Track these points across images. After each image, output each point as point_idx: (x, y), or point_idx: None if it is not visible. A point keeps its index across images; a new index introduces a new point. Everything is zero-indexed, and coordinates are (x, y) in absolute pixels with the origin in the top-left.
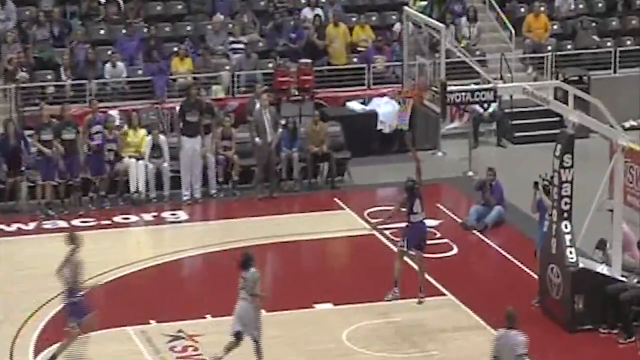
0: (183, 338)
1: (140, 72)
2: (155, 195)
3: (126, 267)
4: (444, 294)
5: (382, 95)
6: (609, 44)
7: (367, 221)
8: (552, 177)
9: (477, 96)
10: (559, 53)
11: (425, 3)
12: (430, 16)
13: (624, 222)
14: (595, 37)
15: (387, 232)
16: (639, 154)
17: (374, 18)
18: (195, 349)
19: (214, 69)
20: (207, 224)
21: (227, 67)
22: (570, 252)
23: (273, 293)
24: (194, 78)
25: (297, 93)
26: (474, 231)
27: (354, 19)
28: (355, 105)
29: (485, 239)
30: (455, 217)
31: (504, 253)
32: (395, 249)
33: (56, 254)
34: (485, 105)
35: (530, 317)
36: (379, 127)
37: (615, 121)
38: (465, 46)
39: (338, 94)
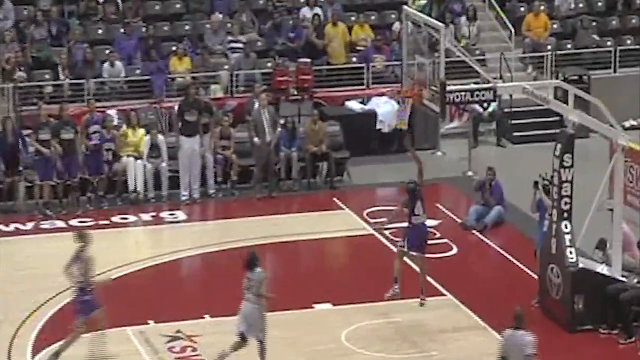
0: (181, 338)
1: (138, 71)
2: (154, 195)
3: (124, 267)
4: (443, 294)
5: (381, 94)
6: (609, 43)
7: (371, 223)
8: (552, 177)
9: (477, 96)
10: (558, 52)
11: (424, 2)
12: (429, 15)
13: (624, 222)
14: (595, 37)
15: (386, 232)
16: (639, 153)
17: (373, 17)
18: (194, 350)
19: (212, 68)
20: (205, 224)
21: (226, 67)
22: (570, 252)
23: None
24: (193, 77)
25: (296, 92)
26: (474, 231)
27: (353, 18)
28: (354, 105)
29: (485, 239)
30: (454, 217)
31: (504, 253)
32: (394, 249)
33: (54, 254)
34: (485, 104)
35: (530, 318)
36: (378, 127)
37: (615, 121)
38: (464, 45)
39: (337, 93)
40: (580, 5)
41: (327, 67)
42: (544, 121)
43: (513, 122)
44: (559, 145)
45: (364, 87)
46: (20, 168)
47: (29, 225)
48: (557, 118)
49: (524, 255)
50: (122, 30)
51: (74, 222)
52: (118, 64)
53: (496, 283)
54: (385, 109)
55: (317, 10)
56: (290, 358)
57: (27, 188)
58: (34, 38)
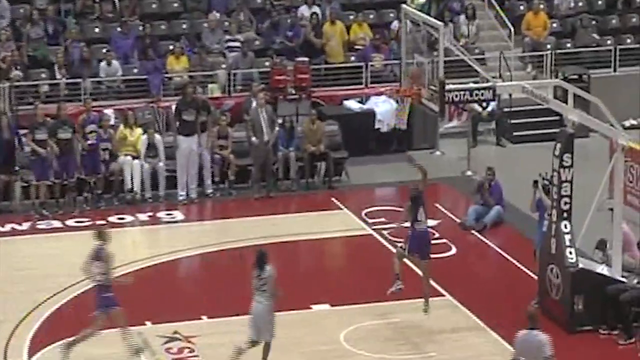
0: (179, 339)
1: (135, 70)
2: (151, 195)
3: (121, 267)
4: (442, 295)
5: (380, 94)
6: (608, 42)
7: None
8: (551, 177)
9: (476, 95)
10: (558, 51)
11: (423, 1)
12: (428, 14)
13: (624, 222)
14: (595, 35)
15: (385, 233)
16: (639, 153)
17: (371, 16)
18: (191, 351)
19: (210, 67)
20: (203, 224)
21: (223, 66)
22: (570, 253)
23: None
24: (190, 77)
25: (294, 92)
26: (473, 231)
27: (351, 17)
28: (352, 104)
29: (484, 239)
30: (454, 217)
31: (503, 253)
32: (394, 250)
33: (51, 254)
34: (484, 104)
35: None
36: (376, 126)
37: (615, 120)
38: (464, 44)
39: (335, 92)
40: (580, 4)
41: (326, 66)
42: (544, 121)
43: (512, 121)
44: (558, 145)
45: (362, 86)
46: (17, 168)
47: (25, 226)
48: (556, 117)
49: (523, 256)
50: (119, 29)
51: (70, 222)
52: (115, 63)
53: (495, 283)
54: (384, 108)
55: (315, 9)
56: (289, 359)
57: (23, 188)
58: (30, 37)
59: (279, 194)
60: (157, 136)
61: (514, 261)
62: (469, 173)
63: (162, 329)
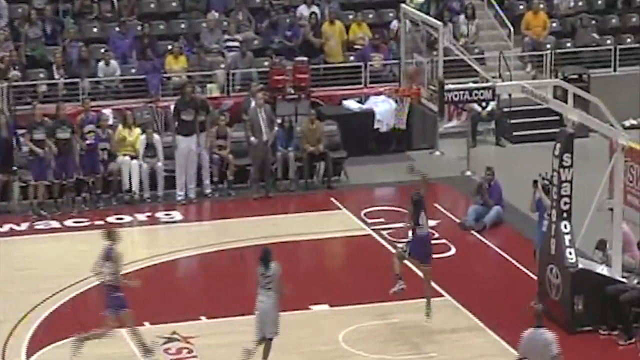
0: (177, 340)
1: (134, 70)
2: (149, 195)
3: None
4: (442, 295)
5: (379, 93)
6: (608, 41)
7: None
8: (551, 177)
9: (476, 95)
10: (558, 51)
11: (422, 0)
12: (427, 14)
13: (624, 222)
14: (595, 35)
15: (384, 233)
16: (639, 153)
17: (370, 15)
18: (190, 351)
19: (208, 67)
20: (201, 225)
21: (222, 66)
22: (570, 253)
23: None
24: (189, 76)
25: (293, 91)
26: (473, 231)
27: (350, 16)
28: (351, 104)
29: (484, 240)
30: (453, 217)
31: (503, 253)
32: (393, 250)
33: (49, 255)
34: (484, 103)
35: (528, 319)
36: (375, 126)
37: (615, 120)
38: (463, 44)
39: (334, 92)
40: (580, 3)
41: (325, 66)
42: (543, 120)
43: (512, 121)
44: (558, 145)
45: (361, 86)
46: (15, 168)
47: (24, 226)
48: (556, 117)
49: (523, 256)
50: (117, 28)
51: (69, 222)
52: (113, 62)
53: (495, 284)
54: (383, 108)
55: (314, 8)
56: None
57: (22, 188)
58: (28, 37)
59: (277, 194)
60: (156, 136)
61: (514, 261)
62: (468, 173)
63: (160, 329)
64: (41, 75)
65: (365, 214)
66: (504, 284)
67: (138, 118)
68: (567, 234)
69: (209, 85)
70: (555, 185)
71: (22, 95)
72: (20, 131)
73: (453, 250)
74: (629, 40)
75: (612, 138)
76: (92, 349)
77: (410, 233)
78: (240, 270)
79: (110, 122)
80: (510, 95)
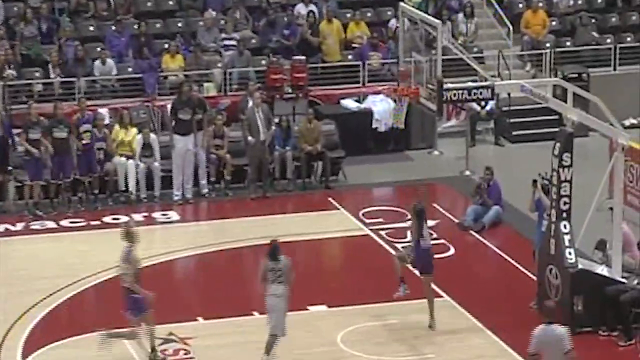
0: (174, 341)
1: (130, 69)
2: (146, 195)
3: (116, 268)
4: (440, 296)
5: (377, 93)
6: (608, 40)
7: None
8: (551, 176)
9: (475, 94)
10: (557, 50)
11: None
12: (426, 12)
13: (624, 222)
14: (595, 34)
15: (382, 233)
16: (639, 152)
17: (369, 14)
18: (187, 352)
19: (205, 66)
20: (198, 225)
21: (219, 65)
22: (570, 253)
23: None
24: (185, 75)
25: (290, 91)
26: (472, 231)
27: (348, 15)
28: (349, 103)
29: (483, 240)
30: (452, 217)
31: (502, 254)
32: (392, 251)
33: (45, 255)
34: (483, 103)
35: (528, 319)
36: (374, 126)
37: (615, 119)
38: (462, 43)
39: (332, 91)
40: (580, 2)
41: (322, 65)
42: (543, 120)
43: (511, 120)
44: (558, 144)
45: (359, 85)
46: (10, 167)
47: (19, 226)
48: (556, 117)
49: (522, 256)
50: (113, 27)
51: (65, 222)
52: (109, 61)
53: (494, 284)
54: (382, 107)
55: (312, 7)
56: None
57: (17, 188)
58: (23, 35)
59: (275, 194)
60: (153, 135)
61: (513, 262)
62: (467, 173)
63: (157, 330)
64: (37, 74)
65: (363, 214)
66: (503, 285)
67: (135, 117)
68: (566, 234)
69: (206, 85)
70: (554, 185)
71: (18, 94)
72: (15, 131)
73: (452, 251)
74: (628, 39)
75: (612, 137)
76: (88, 351)
77: (413, 244)
78: (238, 271)
79: (107, 121)
80: (509, 94)
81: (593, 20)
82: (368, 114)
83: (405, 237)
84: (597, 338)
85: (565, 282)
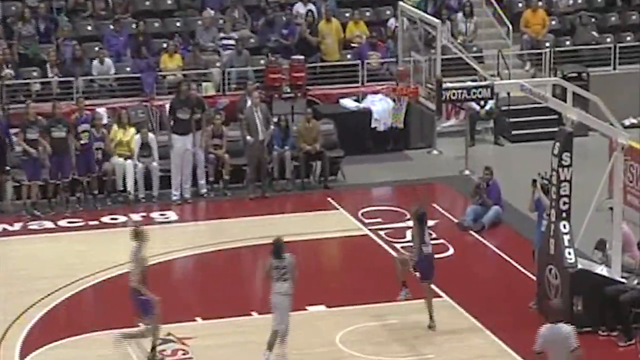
0: (173, 341)
1: (128, 69)
2: (144, 195)
3: (114, 268)
4: (439, 296)
5: (376, 92)
6: (608, 39)
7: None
8: (550, 176)
9: (474, 93)
10: (557, 49)
11: None
12: (425, 11)
13: (623, 222)
14: (595, 33)
15: (381, 233)
16: (639, 152)
17: (368, 14)
18: (185, 353)
19: (204, 65)
20: (197, 225)
21: (218, 64)
22: (569, 253)
23: (265, 295)
24: (184, 75)
25: (289, 90)
26: (471, 231)
27: (347, 14)
28: (348, 103)
29: (483, 240)
30: (451, 217)
31: (502, 254)
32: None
33: (42, 255)
34: (482, 102)
35: (527, 320)
36: (373, 125)
37: (614, 119)
38: (461, 42)
39: (331, 91)
40: (579, 1)
41: (321, 65)
42: (543, 119)
43: (511, 120)
44: (557, 144)
45: (358, 84)
46: (8, 167)
47: (17, 226)
48: (555, 116)
49: (522, 256)
50: (111, 26)
51: (62, 222)
52: (108, 61)
53: (494, 284)
54: (381, 107)
55: (311, 6)
56: None
57: (15, 188)
58: (21, 35)
59: (274, 194)
60: (151, 135)
61: (513, 262)
62: (466, 172)
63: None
64: (34, 74)
65: (362, 214)
66: (502, 285)
67: (133, 117)
68: (566, 234)
69: (204, 84)
70: (554, 184)
71: (16, 94)
72: (13, 130)
73: (451, 251)
74: (628, 38)
75: (612, 137)
76: (87, 351)
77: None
78: (237, 271)
79: (105, 121)
80: (509, 93)
81: (593, 20)
82: (367, 113)
83: (404, 237)
84: (596, 338)
85: (565, 282)
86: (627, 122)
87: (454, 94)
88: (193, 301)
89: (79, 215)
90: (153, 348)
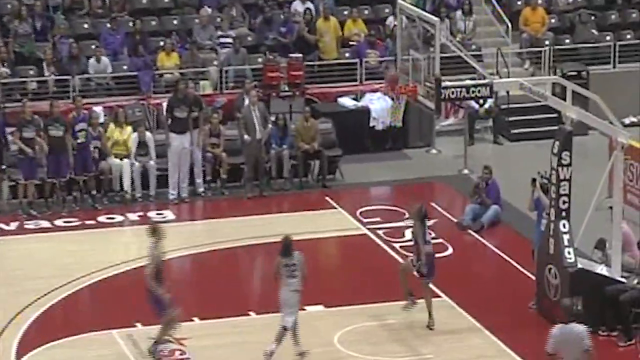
0: (170, 341)
1: (125, 67)
2: (141, 194)
3: (111, 268)
4: (438, 296)
5: (375, 91)
6: (608, 38)
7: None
8: (550, 175)
9: (473, 92)
10: (556, 47)
11: None
12: (424, 9)
13: (623, 222)
14: (594, 31)
15: (380, 232)
16: (639, 151)
17: (366, 12)
18: (182, 353)
19: (201, 64)
20: (194, 224)
21: (215, 62)
22: (569, 252)
23: (263, 295)
24: (181, 74)
25: (287, 89)
26: (470, 231)
27: (345, 12)
28: (347, 102)
29: (482, 239)
30: (450, 217)
31: (501, 253)
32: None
33: (39, 255)
34: (481, 101)
35: (527, 319)
36: (371, 124)
37: (614, 117)
38: (460, 40)
39: (329, 89)
40: None
41: (319, 63)
42: (542, 118)
43: (510, 119)
44: (557, 143)
45: (357, 83)
46: (4, 166)
47: (13, 226)
48: (555, 115)
49: (521, 256)
50: (108, 25)
51: (59, 222)
52: (104, 59)
53: (493, 284)
54: (379, 105)
55: (309, 4)
56: None
57: (11, 187)
58: (17, 33)
59: (272, 193)
60: (148, 134)
61: (512, 261)
62: (465, 171)
63: (152, 330)
64: (31, 72)
65: (360, 213)
66: (502, 284)
67: (130, 116)
68: (565, 233)
69: (201, 82)
70: (553, 183)
71: (12, 92)
72: (9, 129)
73: (450, 250)
74: (628, 36)
75: (612, 136)
76: (83, 351)
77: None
78: (234, 271)
79: (101, 120)
80: (508, 92)
81: (592, 18)
82: (365, 112)
83: (403, 237)
84: (596, 338)
85: (565, 281)
86: (627, 121)
87: (453, 93)
88: (190, 301)
89: (75, 214)
90: (156, 342)
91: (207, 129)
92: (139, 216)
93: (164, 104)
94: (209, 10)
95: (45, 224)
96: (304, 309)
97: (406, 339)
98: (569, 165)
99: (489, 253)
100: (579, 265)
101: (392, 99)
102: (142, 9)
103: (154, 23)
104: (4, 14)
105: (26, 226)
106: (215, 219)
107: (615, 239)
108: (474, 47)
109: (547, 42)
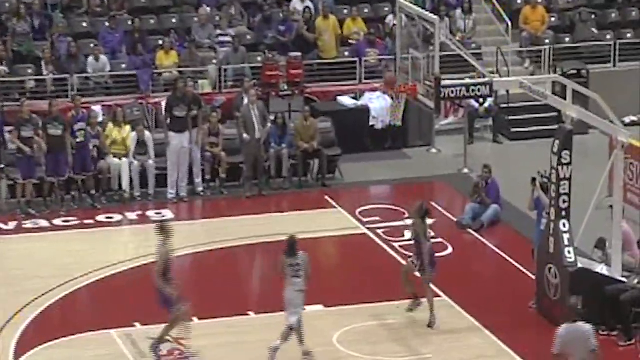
0: (169, 341)
1: (124, 66)
2: (140, 193)
3: (110, 268)
4: (438, 296)
5: (375, 90)
6: (608, 36)
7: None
8: (550, 174)
9: (473, 91)
10: (557, 46)
11: None
12: (424, 8)
13: (623, 221)
14: (594, 30)
15: (379, 231)
16: (639, 150)
17: (366, 10)
18: (181, 353)
19: (200, 62)
20: (193, 223)
21: (214, 61)
22: (569, 252)
23: (262, 294)
24: (180, 72)
25: (286, 88)
26: (470, 230)
27: (345, 11)
28: (346, 100)
29: (481, 239)
30: (450, 216)
31: (501, 253)
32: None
33: (37, 255)
34: (481, 100)
35: (526, 319)
36: (371, 123)
37: (615, 116)
38: (460, 39)
39: (329, 88)
40: None
41: (319, 62)
42: (542, 117)
43: (510, 118)
44: (557, 142)
45: (356, 82)
46: (2, 166)
47: (12, 225)
48: (555, 114)
49: (521, 255)
50: (107, 23)
51: (58, 221)
52: (103, 58)
53: (493, 283)
54: (379, 104)
55: (308, 3)
56: None
57: (10, 186)
58: (16, 31)
59: (271, 193)
60: (147, 133)
61: (512, 261)
62: (465, 171)
63: (151, 330)
64: (29, 71)
65: (360, 213)
66: (501, 284)
67: (128, 115)
68: (565, 232)
69: (200, 81)
70: (553, 183)
71: (10, 91)
72: (7, 128)
73: (450, 250)
74: (629, 35)
75: (612, 135)
76: (81, 351)
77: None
78: (233, 270)
79: (100, 119)
80: (508, 91)
81: (593, 16)
82: (365, 111)
83: (403, 236)
84: (597, 338)
85: (565, 281)
86: (627, 120)
87: (452, 92)
88: (190, 301)
89: (74, 214)
90: (160, 340)
91: (206, 128)
92: (138, 215)
93: (163, 103)
94: (208, 9)
95: (43, 223)
96: (303, 309)
97: (406, 338)
98: (569, 164)
99: (488, 252)
100: (579, 265)
101: (392, 98)
102: (141, 8)
103: (152, 22)
104: (3, 12)
105: (24, 226)
106: (214, 218)
107: (615, 238)
108: (473, 45)
109: (547, 41)
